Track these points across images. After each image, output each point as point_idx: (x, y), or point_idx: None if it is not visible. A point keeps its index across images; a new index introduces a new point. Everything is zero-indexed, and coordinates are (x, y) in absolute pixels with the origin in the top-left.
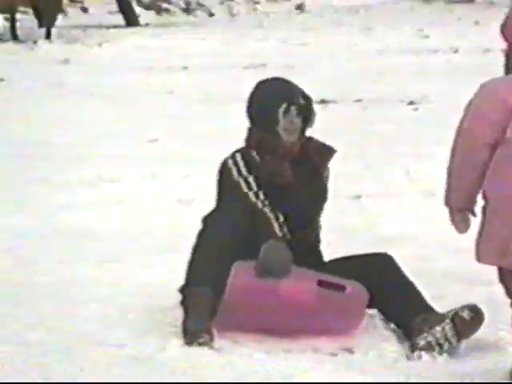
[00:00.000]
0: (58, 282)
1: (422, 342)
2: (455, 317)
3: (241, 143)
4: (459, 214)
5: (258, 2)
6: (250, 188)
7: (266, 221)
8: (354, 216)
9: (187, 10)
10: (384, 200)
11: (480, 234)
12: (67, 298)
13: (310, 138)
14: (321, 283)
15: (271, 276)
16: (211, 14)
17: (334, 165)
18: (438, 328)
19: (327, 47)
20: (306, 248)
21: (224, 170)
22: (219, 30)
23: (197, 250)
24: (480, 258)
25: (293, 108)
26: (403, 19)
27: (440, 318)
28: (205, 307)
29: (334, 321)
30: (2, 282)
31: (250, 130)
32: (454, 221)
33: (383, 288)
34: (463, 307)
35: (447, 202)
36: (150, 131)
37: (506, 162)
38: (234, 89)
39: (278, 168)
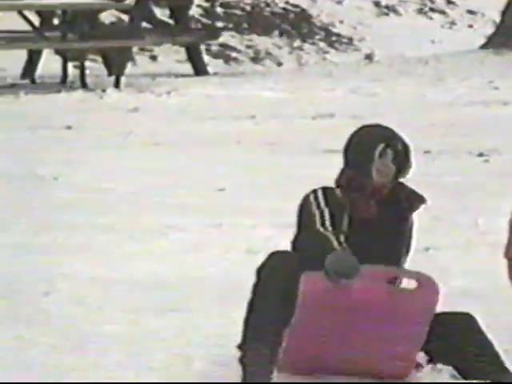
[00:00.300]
0: (124, 331)
1: None
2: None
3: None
4: None
5: (327, 52)
6: (323, 221)
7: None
8: (422, 268)
9: (256, 59)
10: (452, 253)
11: None
12: (133, 348)
13: (401, 184)
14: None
15: (341, 277)
16: (280, 64)
17: None
18: None
19: (396, 98)
20: None
21: (304, 203)
22: (287, 79)
23: (252, 304)
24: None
25: (389, 151)
26: (473, 70)
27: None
28: (262, 363)
29: (406, 318)
30: (68, 330)
31: (343, 170)
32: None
33: (462, 345)
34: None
35: (507, 255)
36: (217, 180)
37: None
38: (301, 138)
39: (363, 202)
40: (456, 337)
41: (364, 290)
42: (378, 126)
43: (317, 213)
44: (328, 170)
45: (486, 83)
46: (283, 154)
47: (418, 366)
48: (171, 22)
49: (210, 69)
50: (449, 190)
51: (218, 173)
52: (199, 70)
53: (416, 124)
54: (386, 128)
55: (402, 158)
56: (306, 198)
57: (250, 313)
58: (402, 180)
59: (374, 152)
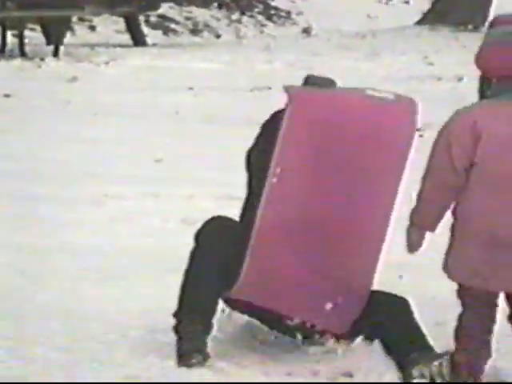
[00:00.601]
0: (61, 299)
1: (416, 373)
2: (447, 355)
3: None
4: (421, 233)
5: (265, 25)
6: None
7: None
8: None
9: (194, 30)
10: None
11: (449, 253)
12: (70, 316)
13: None
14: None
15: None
16: (218, 36)
17: None
18: (435, 363)
19: (333, 72)
20: None
21: None
22: (225, 52)
23: (188, 271)
24: (451, 276)
25: None
26: (409, 46)
27: (439, 355)
28: (196, 330)
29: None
30: (5, 299)
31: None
32: (413, 238)
33: (391, 324)
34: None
35: (414, 222)
36: (154, 151)
37: (475, 186)
38: (238, 111)
39: None
40: (386, 314)
41: (345, 97)
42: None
43: None
44: None
45: (421, 59)
46: (220, 126)
47: (348, 337)
48: None
49: (148, 40)
50: None
51: (155, 143)
52: (138, 40)
53: None
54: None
55: None
56: None
57: (186, 280)
58: None
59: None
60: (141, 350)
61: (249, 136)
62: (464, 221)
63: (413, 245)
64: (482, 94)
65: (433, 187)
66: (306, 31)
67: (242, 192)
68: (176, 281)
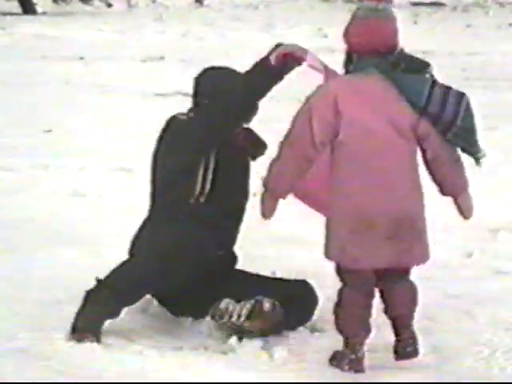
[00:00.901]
0: None
1: (222, 305)
2: (257, 302)
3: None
4: (274, 199)
5: None
6: None
7: None
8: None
9: None
10: None
11: (325, 231)
12: None
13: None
14: None
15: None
16: (109, 5)
17: None
18: (243, 302)
19: (225, 43)
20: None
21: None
22: (117, 21)
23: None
24: (325, 253)
25: None
26: (303, 18)
27: (251, 299)
28: (102, 310)
29: None
30: None
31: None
32: (266, 204)
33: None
34: (270, 300)
35: (268, 186)
36: (44, 121)
37: (345, 165)
38: (130, 81)
39: None
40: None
41: None
42: (222, 69)
43: None
44: (158, 114)
45: (316, 31)
46: (112, 96)
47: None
48: None
49: (38, 8)
50: None
51: (44, 113)
52: (27, 8)
53: (243, 70)
54: (229, 71)
55: None
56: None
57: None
58: None
59: None
60: (30, 323)
61: (143, 107)
62: (335, 200)
63: (266, 210)
64: (346, 69)
65: (291, 157)
66: (199, 1)
67: (134, 164)
68: (69, 252)
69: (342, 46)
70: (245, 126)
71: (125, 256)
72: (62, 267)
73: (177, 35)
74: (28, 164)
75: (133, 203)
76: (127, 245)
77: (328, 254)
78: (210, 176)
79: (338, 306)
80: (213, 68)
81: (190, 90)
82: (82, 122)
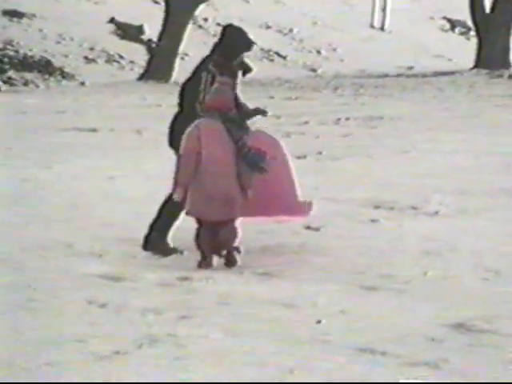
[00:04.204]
0: None
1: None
2: None
3: None
4: (182, 188)
5: None
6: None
7: None
8: None
9: None
10: None
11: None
12: None
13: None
14: None
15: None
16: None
17: None
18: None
19: None
20: None
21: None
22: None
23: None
24: (187, 212)
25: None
26: None
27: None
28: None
29: None
30: None
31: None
32: (178, 194)
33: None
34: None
35: (177, 183)
36: None
37: (205, 167)
38: None
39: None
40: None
41: None
42: (240, 29)
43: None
44: None
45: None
46: None
47: None
48: None
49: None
50: None
51: None
52: None
53: None
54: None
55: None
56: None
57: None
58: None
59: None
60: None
61: None
62: (198, 184)
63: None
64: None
65: (186, 162)
66: None
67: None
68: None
69: None
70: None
71: None
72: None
73: None
74: None
75: None
76: None
77: (189, 212)
78: (207, 89)
79: (197, 236)
80: (230, 25)
81: None
82: None
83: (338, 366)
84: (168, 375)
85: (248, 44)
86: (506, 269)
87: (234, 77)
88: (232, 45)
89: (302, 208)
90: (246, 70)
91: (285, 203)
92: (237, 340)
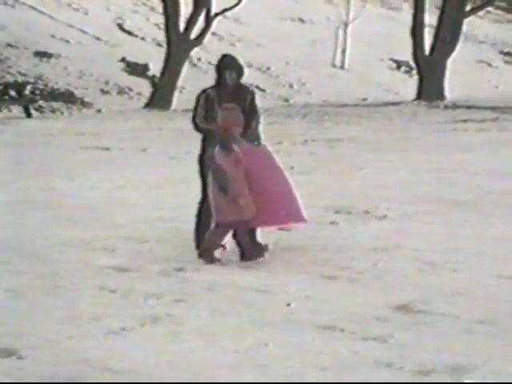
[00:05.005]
0: None
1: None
2: None
3: None
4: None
5: None
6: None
7: None
8: None
9: None
10: None
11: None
12: None
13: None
14: None
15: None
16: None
17: None
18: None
19: None
20: None
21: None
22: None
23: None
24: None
25: (234, 71)
26: None
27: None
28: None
29: None
30: None
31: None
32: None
33: None
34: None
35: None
36: None
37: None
38: None
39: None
40: None
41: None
42: (229, 56)
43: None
44: None
45: None
46: None
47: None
48: None
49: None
50: None
51: None
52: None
53: None
54: (231, 56)
55: (239, 72)
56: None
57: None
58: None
59: (222, 72)
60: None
61: None
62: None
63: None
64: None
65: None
66: None
67: None
68: None
69: None
70: None
71: None
72: None
73: None
74: None
75: None
76: None
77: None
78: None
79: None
80: (226, 55)
81: None
82: None
83: (304, 341)
84: (165, 347)
85: (228, 65)
86: (439, 262)
87: (241, 100)
88: (216, 67)
89: (303, 215)
90: (245, 91)
91: (291, 211)
92: (221, 319)
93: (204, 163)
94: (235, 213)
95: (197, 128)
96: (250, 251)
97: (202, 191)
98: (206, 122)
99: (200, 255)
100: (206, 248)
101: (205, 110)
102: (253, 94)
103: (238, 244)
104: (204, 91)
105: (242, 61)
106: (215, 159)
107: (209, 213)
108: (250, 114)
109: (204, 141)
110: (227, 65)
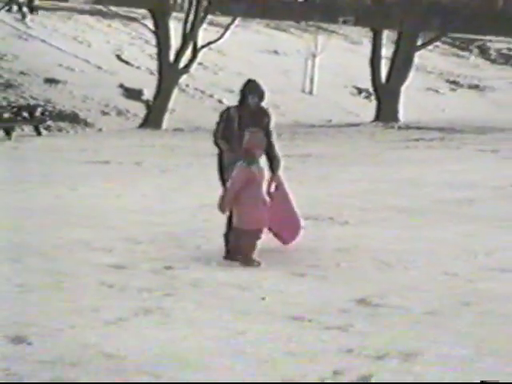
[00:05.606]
0: None
1: None
2: None
3: None
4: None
5: None
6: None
7: None
8: None
9: None
10: None
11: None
12: None
13: (261, 106)
14: None
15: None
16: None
17: None
18: None
19: None
20: None
21: (220, 115)
22: None
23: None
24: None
25: (255, 93)
26: None
27: None
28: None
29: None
30: None
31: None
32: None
33: None
34: None
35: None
36: None
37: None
38: None
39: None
40: None
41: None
42: (253, 81)
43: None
44: None
45: None
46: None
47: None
48: None
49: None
50: None
51: None
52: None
53: None
54: (255, 82)
55: (261, 96)
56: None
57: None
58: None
59: (247, 95)
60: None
61: None
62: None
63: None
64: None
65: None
66: None
67: None
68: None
69: None
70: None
71: None
72: None
73: None
74: None
75: None
76: None
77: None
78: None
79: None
80: (250, 80)
81: None
82: None
83: (278, 330)
84: (156, 335)
85: (253, 89)
86: (394, 261)
87: (260, 122)
88: (242, 90)
89: (294, 237)
90: (264, 113)
91: (292, 234)
92: (205, 311)
93: (223, 172)
94: (254, 222)
95: (215, 142)
96: (235, 253)
97: None
98: (223, 142)
99: (243, 262)
100: (247, 256)
101: (225, 126)
102: (269, 117)
103: (227, 243)
104: (228, 109)
105: (264, 86)
106: (238, 172)
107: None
108: (266, 135)
109: (220, 155)
110: (251, 89)
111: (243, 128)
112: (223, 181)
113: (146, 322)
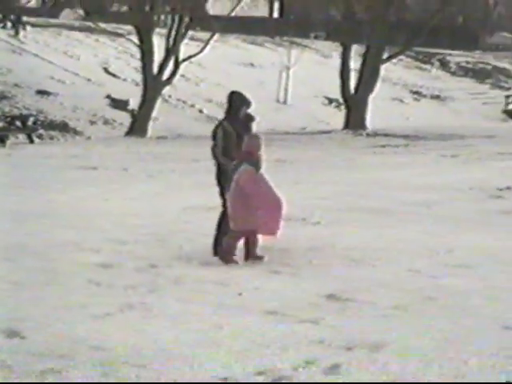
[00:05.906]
0: None
1: None
2: None
3: None
4: None
5: None
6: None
7: None
8: None
9: None
10: None
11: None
12: None
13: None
14: None
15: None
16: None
17: None
18: None
19: None
20: None
21: (215, 129)
22: None
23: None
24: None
25: (245, 106)
26: None
27: None
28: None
29: None
30: None
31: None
32: None
33: None
34: None
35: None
36: None
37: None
38: None
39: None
40: None
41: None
42: (242, 93)
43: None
44: None
45: None
46: None
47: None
48: None
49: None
50: None
51: None
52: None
53: None
54: (243, 94)
55: (250, 107)
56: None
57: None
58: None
59: (241, 107)
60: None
61: None
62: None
63: None
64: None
65: None
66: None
67: None
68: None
69: None
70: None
71: None
72: None
73: None
74: None
75: None
76: None
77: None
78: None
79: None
80: (238, 93)
81: None
82: None
83: (253, 323)
84: (140, 328)
85: (245, 101)
86: (362, 259)
87: (248, 128)
88: (235, 103)
89: (276, 229)
90: (252, 119)
91: (276, 222)
92: (186, 306)
93: (223, 183)
94: (250, 223)
95: (216, 159)
96: (254, 253)
97: (223, 205)
98: (224, 158)
99: (221, 258)
100: (226, 251)
101: (224, 142)
102: (254, 119)
103: (246, 245)
104: (220, 124)
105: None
106: (240, 175)
107: (226, 220)
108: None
109: (219, 169)
110: (244, 101)
111: (240, 139)
112: (221, 187)
113: (131, 316)
